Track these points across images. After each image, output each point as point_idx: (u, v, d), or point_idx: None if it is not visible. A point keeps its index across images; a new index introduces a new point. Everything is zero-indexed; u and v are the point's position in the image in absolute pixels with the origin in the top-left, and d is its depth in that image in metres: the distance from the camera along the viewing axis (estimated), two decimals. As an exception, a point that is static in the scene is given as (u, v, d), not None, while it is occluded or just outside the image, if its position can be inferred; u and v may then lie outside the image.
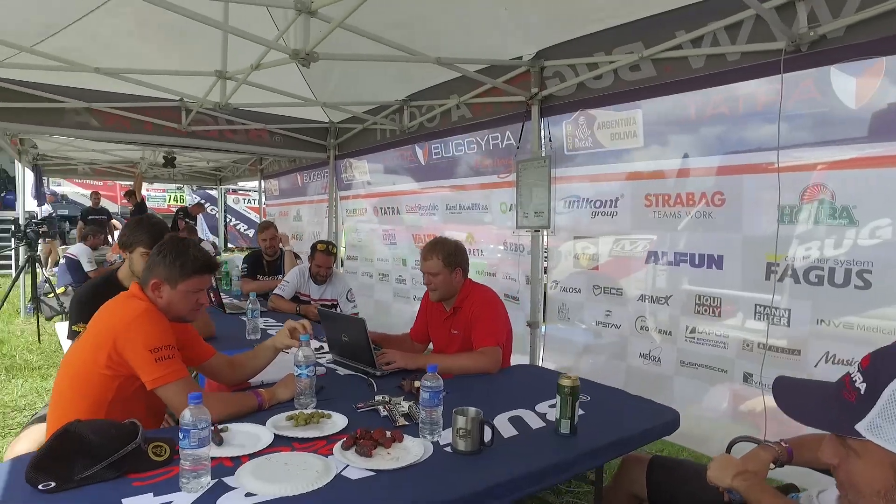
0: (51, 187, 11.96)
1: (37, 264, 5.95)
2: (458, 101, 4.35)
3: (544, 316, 3.91)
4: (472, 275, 4.76)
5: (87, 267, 6.24)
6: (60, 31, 3.92)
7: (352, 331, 2.47)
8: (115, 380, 1.72)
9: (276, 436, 1.69)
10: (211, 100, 4.40)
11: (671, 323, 3.20)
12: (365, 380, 2.35)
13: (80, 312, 2.57)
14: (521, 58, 3.72)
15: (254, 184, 11.19)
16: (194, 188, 14.55)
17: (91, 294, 2.62)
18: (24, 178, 7.64)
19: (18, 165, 7.54)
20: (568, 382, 1.79)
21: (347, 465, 1.52)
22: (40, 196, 8.51)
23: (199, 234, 11.02)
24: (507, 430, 1.84)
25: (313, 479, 1.42)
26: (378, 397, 2.07)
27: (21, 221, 6.48)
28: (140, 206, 9.84)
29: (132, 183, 10.08)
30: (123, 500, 1.30)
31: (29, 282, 6.20)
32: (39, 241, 6.24)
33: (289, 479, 1.41)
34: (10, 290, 5.47)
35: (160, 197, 15.25)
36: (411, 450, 1.63)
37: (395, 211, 5.73)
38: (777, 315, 2.74)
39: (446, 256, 2.72)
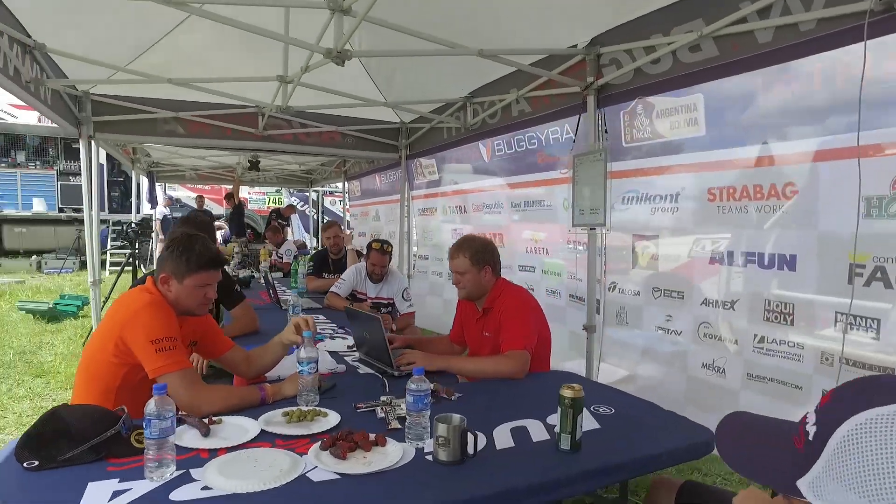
0: (167, 192, 13.28)
1: (138, 261, 6.60)
2: (518, 96, 4.20)
3: (603, 320, 3.65)
4: (539, 275, 4.64)
5: (183, 264, 6.78)
6: (149, 49, 4.28)
7: (371, 329, 2.43)
8: (121, 368, 1.81)
9: (262, 431, 1.69)
10: (277, 104, 4.58)
11: (737, 330, 2.85)
12: (381, 379, 2.30)
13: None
14: (575, 46, 3.50)
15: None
16: (291, 191, 15.45)
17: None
18: (139, 183, 8.50)
19: (133, 172, 8.41)
20: (569, 393, 1.62)
21: (316, 467, 1.47)
22: (153, 199, 9.44)
23: (294, 234, 11.67)
24: (505, 442, 1.69)
25: (274, 477, 1.39)
26: (383, 398, 2.01)
27: (133, 223, 7.20)
28: (238, 208, 10.60)
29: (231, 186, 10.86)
30: (90, 484, 1.34)
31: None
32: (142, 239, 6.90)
33: (249, 476, 1.38)
34: (115, 284, 6.10)
35: (260, 199, 16.38)
36: (389, 455, 1.55)
37: (462, 210, 5.67)
38: (863, 325, 2.34)
39: (473, 254, 2.61)
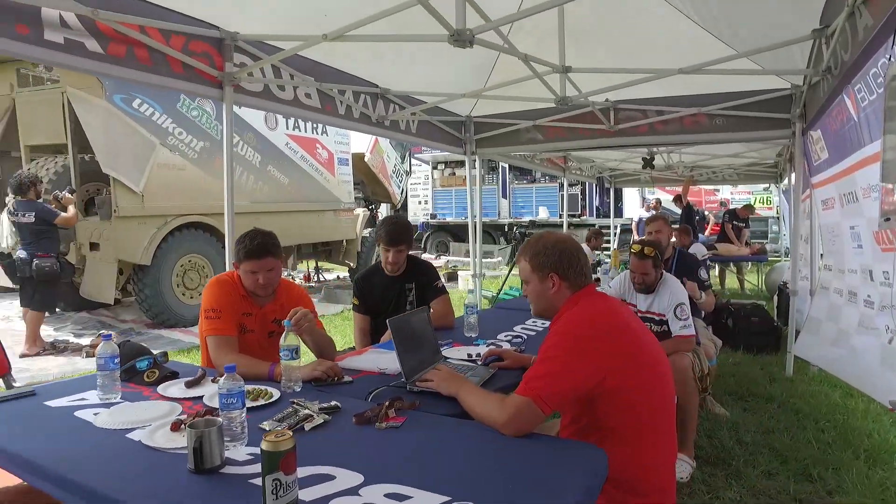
0: (646, 195, 13.77)
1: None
2: (855, 5, 2.60)
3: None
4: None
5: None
6: (490, 75, 4.89)
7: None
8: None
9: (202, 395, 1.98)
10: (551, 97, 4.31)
11: None
12: (388, 388, 2.11)
13: (355, 288, 3.41)
14: None
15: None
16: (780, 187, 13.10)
17: (364, 276, 3.41)
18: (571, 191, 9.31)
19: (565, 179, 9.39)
20: (266, 444, 1.22)
21: (144, 428, 1.68)
22: (603, 203, 10.19)
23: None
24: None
25: (117, 423, 1.71)
26: (298, 401, 1.87)
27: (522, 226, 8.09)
28: (687, 210, 10.06)
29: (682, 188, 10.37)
30: (94, 391, 2.03)
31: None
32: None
33: (113, 417, 1.76)
34: (505, 280, 7.10)
35: (745, 199, 14.56)
36: (195, 441, 1.60)
37: (854, 197, 3.78)
38: None
39: (533, 257, 1.95)
